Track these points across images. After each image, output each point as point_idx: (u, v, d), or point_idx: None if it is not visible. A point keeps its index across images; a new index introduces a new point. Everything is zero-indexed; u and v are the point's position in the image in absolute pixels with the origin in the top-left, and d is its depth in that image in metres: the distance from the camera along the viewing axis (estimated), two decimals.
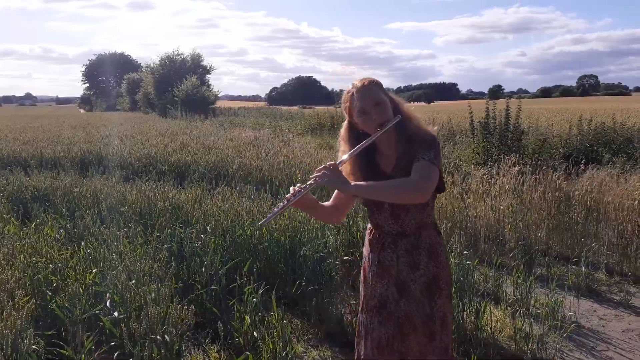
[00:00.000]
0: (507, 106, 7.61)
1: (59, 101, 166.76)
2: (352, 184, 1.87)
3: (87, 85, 73.80)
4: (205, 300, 3.55)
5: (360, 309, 2.13)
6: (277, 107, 49.70)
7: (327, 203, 2.12)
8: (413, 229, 1.99)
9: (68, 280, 3.16)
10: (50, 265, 3.34)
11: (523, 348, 3.15)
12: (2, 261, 3.22)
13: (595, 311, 3.82)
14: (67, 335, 2.69)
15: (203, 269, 3.64)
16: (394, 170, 1.98)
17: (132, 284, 2.89)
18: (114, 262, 3.35)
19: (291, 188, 1.90)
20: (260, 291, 3.18)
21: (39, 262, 3.36)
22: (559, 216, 5.03)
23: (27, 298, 2.82)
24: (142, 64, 43.78)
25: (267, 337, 2.92)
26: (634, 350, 3.25)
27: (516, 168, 5.66)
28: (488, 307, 3.32)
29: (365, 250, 2.13)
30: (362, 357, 2.08)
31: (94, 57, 73.18)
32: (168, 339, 2.47)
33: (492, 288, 3.94)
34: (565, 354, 3.20)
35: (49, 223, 4.76)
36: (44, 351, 2.73)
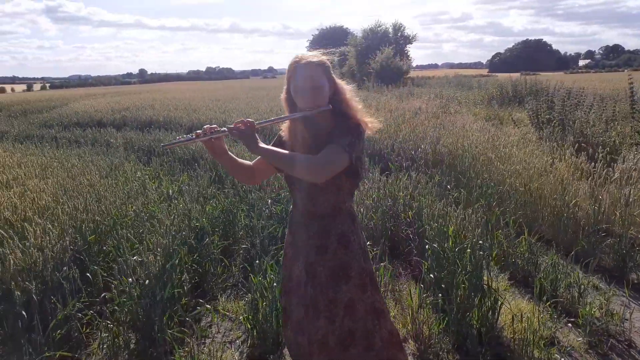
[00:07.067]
0: None
1: None
2: (260, 146, 1.82)
3: None
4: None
5: (281, 290, 2.19)
6: (494, 74, 47.01)
7: (247, 162, 2.12)
8: (327, 211, 1.98)
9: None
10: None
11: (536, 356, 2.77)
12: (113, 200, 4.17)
13: None
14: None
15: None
16: (310, 148, 1.94)
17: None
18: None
19: (206, 125, 1.91)
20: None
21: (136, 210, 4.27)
22: None
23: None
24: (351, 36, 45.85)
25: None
26: None
27: None
28: (509, 304, 3.01)
29: (287, 230, 2.16)
30: (287, 339, 2.18)
31: (316, 32, 79.24)
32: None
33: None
34: None
35: (181, 179, 5.80)
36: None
